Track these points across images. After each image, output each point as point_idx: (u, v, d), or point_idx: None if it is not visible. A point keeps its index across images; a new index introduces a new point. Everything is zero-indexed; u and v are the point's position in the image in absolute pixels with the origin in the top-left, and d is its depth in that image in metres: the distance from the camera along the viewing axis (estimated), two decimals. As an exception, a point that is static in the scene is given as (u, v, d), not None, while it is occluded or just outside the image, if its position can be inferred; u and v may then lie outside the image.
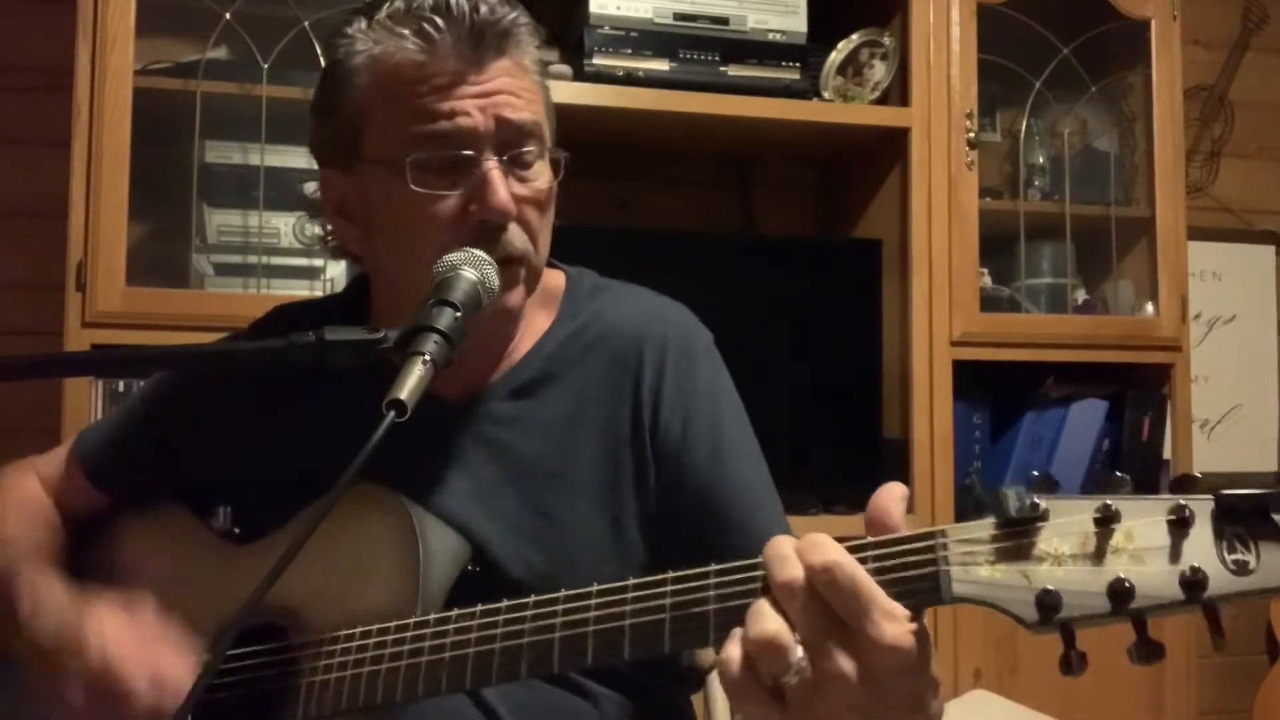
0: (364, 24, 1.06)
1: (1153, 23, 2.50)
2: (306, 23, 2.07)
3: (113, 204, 1.94)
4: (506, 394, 1.14)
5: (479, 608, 0.90)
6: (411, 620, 0.94)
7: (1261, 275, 3.09)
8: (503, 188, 1.03)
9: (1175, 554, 0.68)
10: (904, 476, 2.29)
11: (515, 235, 1.05)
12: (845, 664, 0.70)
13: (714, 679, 1.38)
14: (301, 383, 1.12)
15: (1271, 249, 3.09)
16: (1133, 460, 2.47)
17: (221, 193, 2.13)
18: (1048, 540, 0.72)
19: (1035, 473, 0.75)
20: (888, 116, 2.35)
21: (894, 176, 2.39)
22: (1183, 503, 0.68)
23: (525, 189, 1.06)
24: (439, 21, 1.02)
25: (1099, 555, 0.70)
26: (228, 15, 2.07)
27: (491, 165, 1.03)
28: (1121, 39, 2.53)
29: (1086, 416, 2.47)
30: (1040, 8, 2.43)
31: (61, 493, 1.24)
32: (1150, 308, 2.49)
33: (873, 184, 2.47)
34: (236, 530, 1.21)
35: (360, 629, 0.96)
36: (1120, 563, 0.69)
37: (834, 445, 2.36)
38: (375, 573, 1.01)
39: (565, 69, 2.18)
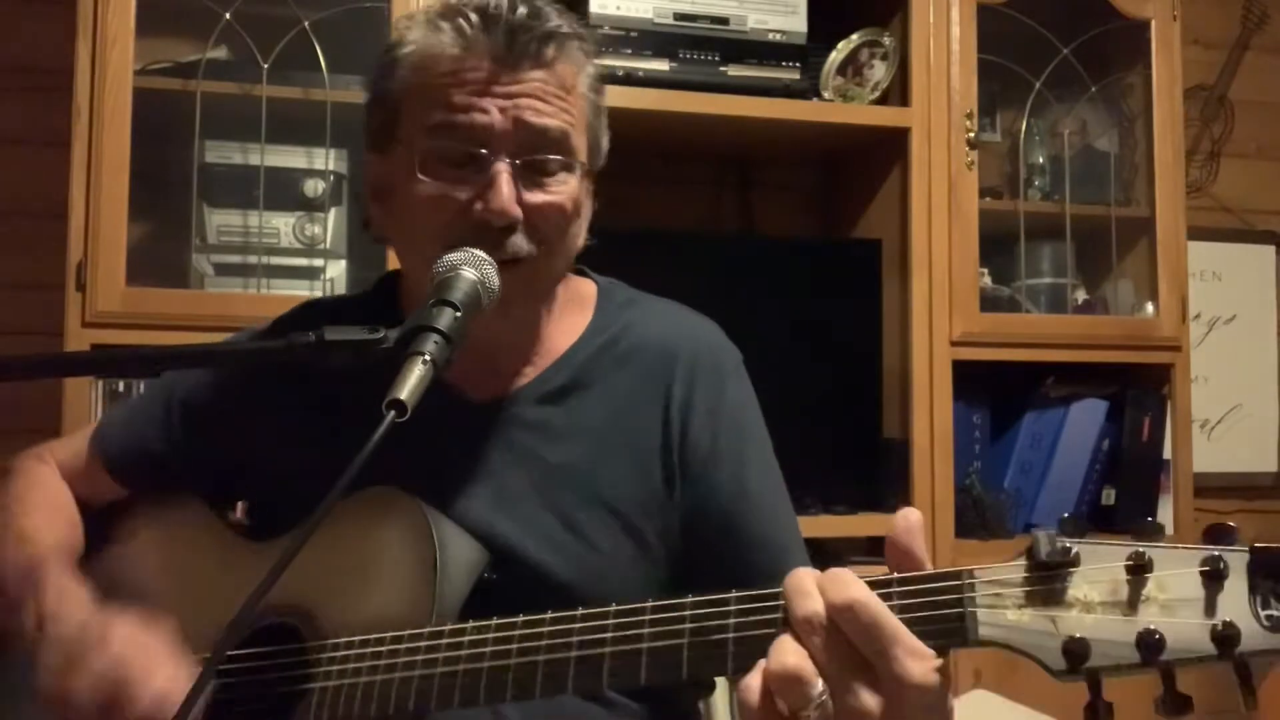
0: (420, 17, 1.08)
1: (1153, 23, 2.50)
2: (306, 23, 2.07)
3: (113, 204, 1.93)
4: (535, 399, 1.14)
5: (494, 621, 0.89)
6: (426, 630, 0.93)
7: (1261, 275, 3.09)
8: (507, 189, 1.03)
9: (1208, 607, 0.67)
10: (904, 476, 2.29)
11: (520, 240, 1.04)
12: (869, 700, 0.69)
13: (722, 685, 1.39)
14: (327, 381, 1.12)
15: (1271, 249, 3.09)
16: (1133, 460, 2.47)
17: (221, 193, 2.13)
18: (1078, 586, 0.70)
19: (1065, 514, 0.73)
20: (888, 116, 2.35)
21: (894, 176, 2.39)
22: (1217, 554, 0.67)
23: (542, 195, 1.06)
24: (476, 19, 1.04)
25: (1130, 604, 0.68)
26: (228, 15, 2.07)
27: (502, 166, 1.03)
28: (1121, 39, 2.53)
29: (1086, 416, 2.47)
30: (1040, 8, 2.43)
31: (80, 482, 1.24)
32: (1150, 308, 2.49)
33: (873, 184, 2.46)
34: (250, 525, 1.21)
35: (374, 635, 0.96)
36: (1151, 613, 0.68)
37: (834, 445, 2.35)
38: (391, 579, 1.01)
39: (565, 69, 2.17)
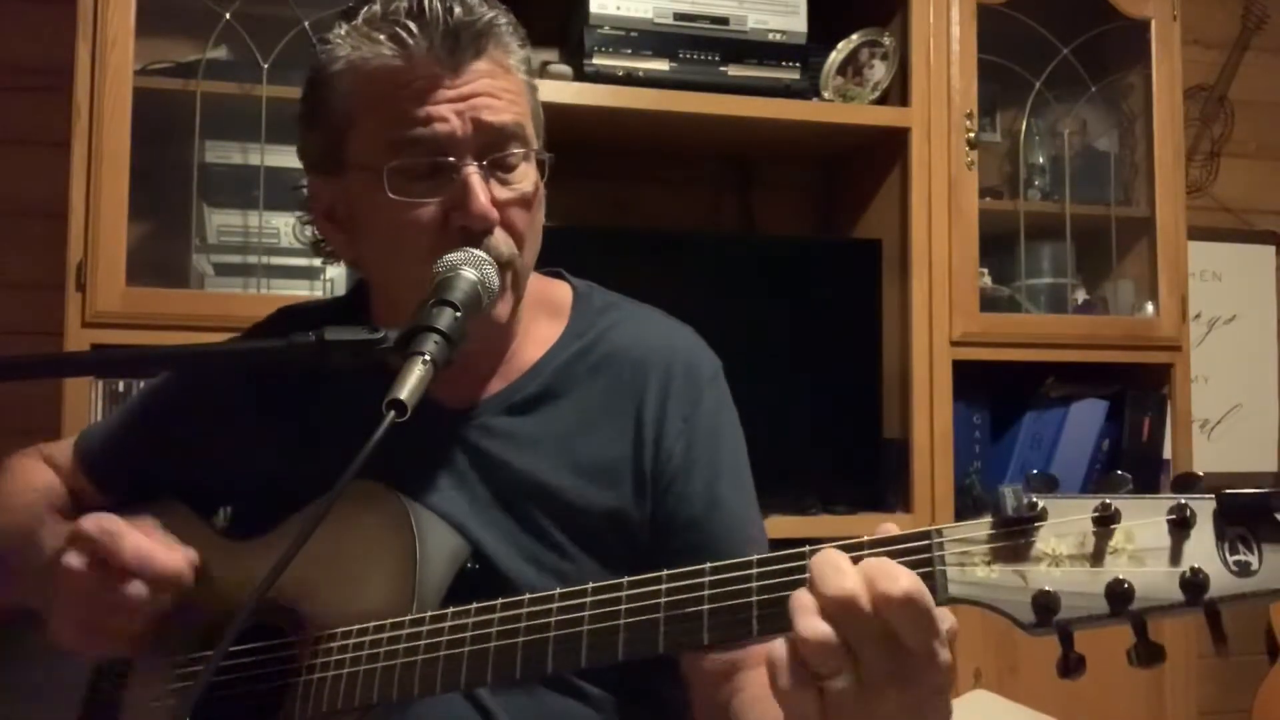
0: (343, 30, 1.04)
1: (1153, 23, 2.50)
2: (306, 23, 2.07)
3: (113, 204, 1.93)
4: (505, 408, 1.13)
5: (474, 605, 0.90)
6: (407, 619, 0.94)
7: (1261, 275, 3.09)
8: (482, 193, 1.01)
9: (1176, 555, 0.67)
10: (904, 476, 2.29)
11: (500, 240, 1.03)
12: (898, 675, 0.70)
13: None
14: (303, 384, 1.12)
15: (1271, 249, 3.09)
16: (1133, 460, 2.47)
17: (221, 193, 2.13)
18: (1045, 540, 0.70)
19: (1034, 471, 0.74)
20: (888, 116, 2.35)
21: (894, 176, 2.39)
22: (1183, 502, 0.67)
23: (508, 192, 1.05)
24: (413, 26, 1.01)
25: (1098, 556, 0.69)
26: (228, 15, 2.07)
27: (471, 171, 1.02)
28: (1121, 39, 2.53)
29: (1086, 416, 2.47)
30: (1040, 8, 2.43)
31: (67, 485, 1.25)
32: (1150, 308, 2.49)
33: (873, 184, 2.46)
34: (233, 529, 1.21)
35: (356, 627, 0.96)
36: (1119, 563, 0.68)
37: (834, 445, 2.36)
38: (372, 571, 1.01)
39: (565, 69, 2.18)
